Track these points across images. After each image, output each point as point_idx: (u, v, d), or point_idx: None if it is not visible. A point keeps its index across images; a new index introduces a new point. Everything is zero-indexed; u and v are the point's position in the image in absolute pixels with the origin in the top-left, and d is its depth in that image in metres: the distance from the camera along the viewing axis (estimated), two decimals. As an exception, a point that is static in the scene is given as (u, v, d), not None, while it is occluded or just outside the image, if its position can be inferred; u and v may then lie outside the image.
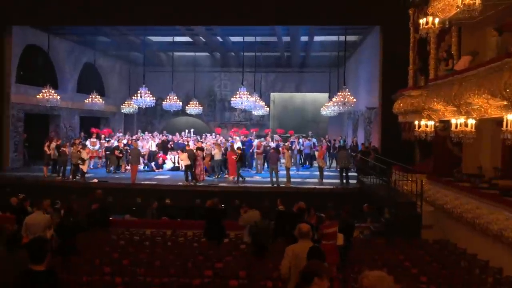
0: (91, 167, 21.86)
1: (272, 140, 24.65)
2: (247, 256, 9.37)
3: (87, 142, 22.17)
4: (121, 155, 21.83)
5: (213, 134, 27.53)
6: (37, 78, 24.45)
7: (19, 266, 4.81)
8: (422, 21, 11.30)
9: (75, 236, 8.82)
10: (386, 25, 18.78)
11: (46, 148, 20.22)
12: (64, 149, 19.74)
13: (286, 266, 5.97)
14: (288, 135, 27.24)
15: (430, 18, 11.12)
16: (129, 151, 21.43)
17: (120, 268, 8.02)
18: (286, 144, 22.43)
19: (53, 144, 20.56)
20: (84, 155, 19.52)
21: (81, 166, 19.36)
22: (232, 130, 29.15)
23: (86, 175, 19.53)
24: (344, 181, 18.82)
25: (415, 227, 12.47)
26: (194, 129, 28.49)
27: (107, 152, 22.33)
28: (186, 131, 26.84)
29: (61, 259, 7.99)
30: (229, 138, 24.21)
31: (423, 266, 8.91)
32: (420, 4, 14.26)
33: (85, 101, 25.67)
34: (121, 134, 26.52)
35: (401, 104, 14.90)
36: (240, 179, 19.24)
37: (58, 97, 22.30)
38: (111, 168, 21.62)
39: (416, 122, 12.38)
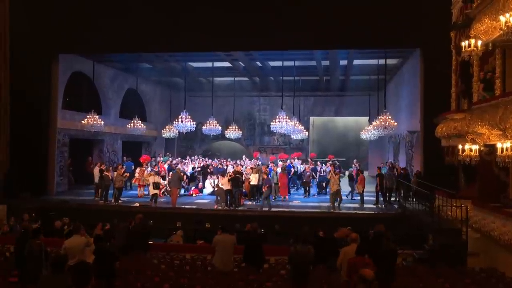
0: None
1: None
2: (288, 281, 9.26)
3: (148, 170, 22.20)
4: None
5: (246, 158, 27.91)
6: (82, 104, 25.20)
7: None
8: (464, 43, 11.12)
9: (112, 260, 8.88)
10: (427, 47, 18.54)
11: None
12: (107, 173, 20.13)
13: (339, 262, 8.90)
14: (327, 159, 27.05)
15: (473, 41, 10.94)
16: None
17: (161, 293, 8.06)
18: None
19: (96, 169, 21.05)
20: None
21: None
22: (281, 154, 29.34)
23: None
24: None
25: (461, 255, 12.07)
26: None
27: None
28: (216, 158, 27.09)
29: (103, 282, 8.08)
30: (270, 164, 24.17)
31: (470, 295, 8.60)
32: (462, 26, 14.03)
33: (128, 126, 26.28)
34: (161, 158, 26.93)
35: (444, 128, 14.57)
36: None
37: (102, 122, 22.93)
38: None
39: (460, 146, 12.08)
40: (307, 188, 22.64)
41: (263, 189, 19.71)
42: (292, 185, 23.70)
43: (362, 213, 18.02)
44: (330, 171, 20.92)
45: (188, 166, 24.45)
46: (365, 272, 5.35)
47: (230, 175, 19.77)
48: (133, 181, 22.88)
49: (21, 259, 9.01)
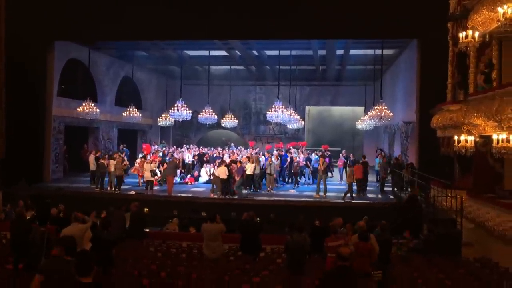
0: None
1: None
2: (284, 270, 9.33)
3: (148, 160, 21.88)
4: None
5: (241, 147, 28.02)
6: (78, 92, 25.11)
7: (70, 275, 4.94)
8: (461, 34, 11.13)
9: (109, 247, 8.91)
10: (424, 38, 18.58)
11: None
12: (102, 161, 20.09)
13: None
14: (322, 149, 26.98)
15: (470, 32, 10.95)
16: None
17: (158, 281, 8.10)
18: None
19: (92, 156, 21.02)
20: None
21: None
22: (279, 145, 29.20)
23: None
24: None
25: (455, 245, 12.13)
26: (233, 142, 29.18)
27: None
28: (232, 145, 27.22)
29: (100, 270, 8.11)
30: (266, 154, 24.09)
31: (465, 285, 8.67)
32: (459, 17, 14.04)
33: (123, 114, 26.21)
34: (156, 146, 26.90)
35: (440, 119, 14.63)
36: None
37: (98, 110, 22.88)
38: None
39: (456, 137, 12.14)
40: (295, 178, 22.35)
41: (236, 178, 19.40)
42: (287, 174, 23.65)
43: (358, 203, 18.10)
44: (319, 160, 20.91)
45: (185, 155, 24.43)
46: (342, 250, 5.94)
47: (219, 163, 19.86)
48: (132, 171, 22.79)
49: (16, 245, 9.02)
